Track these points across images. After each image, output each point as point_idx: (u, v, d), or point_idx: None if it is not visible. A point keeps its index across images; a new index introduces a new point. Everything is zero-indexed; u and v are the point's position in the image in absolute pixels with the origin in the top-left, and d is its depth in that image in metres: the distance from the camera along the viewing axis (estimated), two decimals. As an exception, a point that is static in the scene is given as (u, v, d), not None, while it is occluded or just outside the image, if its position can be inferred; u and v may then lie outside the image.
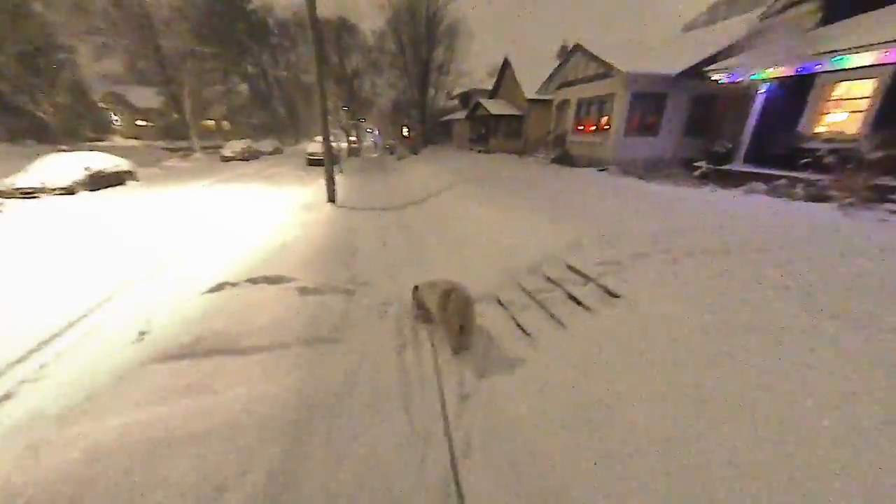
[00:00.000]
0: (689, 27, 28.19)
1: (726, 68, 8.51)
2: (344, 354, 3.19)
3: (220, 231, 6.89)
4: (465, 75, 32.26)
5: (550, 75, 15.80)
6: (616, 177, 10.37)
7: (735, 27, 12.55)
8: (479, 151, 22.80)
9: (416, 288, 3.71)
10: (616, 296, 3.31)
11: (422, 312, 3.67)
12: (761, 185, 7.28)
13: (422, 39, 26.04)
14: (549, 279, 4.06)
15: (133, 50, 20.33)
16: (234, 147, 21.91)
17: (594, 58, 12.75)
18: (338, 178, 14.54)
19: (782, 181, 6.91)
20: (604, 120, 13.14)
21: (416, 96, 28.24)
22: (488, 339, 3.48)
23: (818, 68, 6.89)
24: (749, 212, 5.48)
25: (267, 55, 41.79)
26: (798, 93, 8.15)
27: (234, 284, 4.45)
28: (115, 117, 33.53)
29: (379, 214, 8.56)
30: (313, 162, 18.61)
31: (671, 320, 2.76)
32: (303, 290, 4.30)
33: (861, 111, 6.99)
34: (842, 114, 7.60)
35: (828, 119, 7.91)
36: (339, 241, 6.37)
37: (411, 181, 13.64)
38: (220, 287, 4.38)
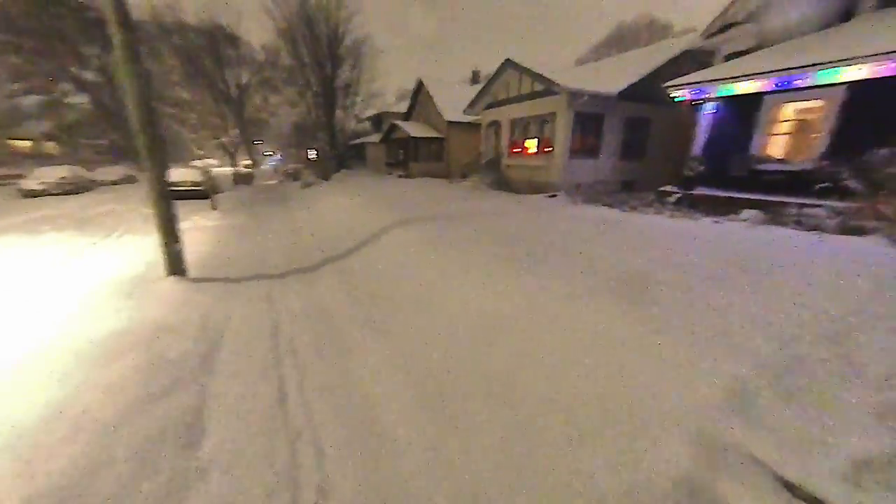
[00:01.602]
0: (579, 63, 30.91)
1: (689, 84, 7.59)
2: None
3: None
4: (375, 96, 29.97)
5: (478, 94, 14.27)
6: (580, 206, 8.76)
7: (657, 52, 12.68)
8: (400, 176, 20.30)
9: None
10: None
11: None
12: (760, 213, 6.17)
13: (324, 56, 22.78)
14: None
15: None
16: (44, 176, 15.02)
17: (529, 74, 11.46)
18: (208, 219, 10.18)
19: (791, 209, 5.82)
20: (544, 142, 11.87)
21: (321, 117, 24.52)
22: None
23: (798, 83, 6.13)
24: (842, 265, 3.83)
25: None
26: (745, 113, 7.66)
27: None
28: None
29: (269, 295, 4.70)
30: (177, 195, 13.44)
31: None
32: None
33: (816, 133, 6.60)
34: (793, 135, 7.25)
35: (778, 140, 7.53)
36: (163, 413, 2.45)
37: (323, 218, 10.17)
38: None
